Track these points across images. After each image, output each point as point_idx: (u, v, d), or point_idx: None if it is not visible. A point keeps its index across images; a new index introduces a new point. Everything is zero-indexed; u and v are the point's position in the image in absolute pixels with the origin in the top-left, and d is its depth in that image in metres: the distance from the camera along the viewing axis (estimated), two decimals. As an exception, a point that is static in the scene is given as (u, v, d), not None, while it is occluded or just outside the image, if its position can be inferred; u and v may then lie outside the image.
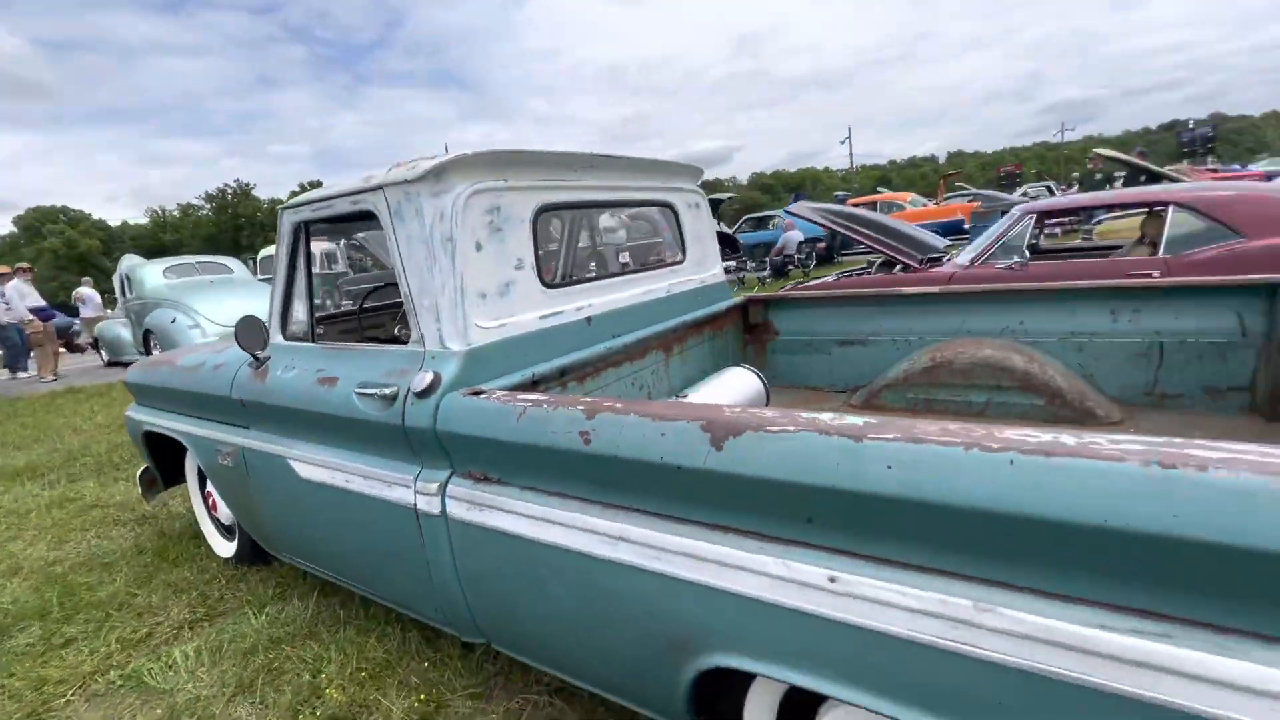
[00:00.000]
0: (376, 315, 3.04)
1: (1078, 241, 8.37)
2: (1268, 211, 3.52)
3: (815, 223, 4.97)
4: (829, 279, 5.63)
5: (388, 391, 1.63)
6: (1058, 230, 12.92)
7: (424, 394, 1.56)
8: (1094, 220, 9.09)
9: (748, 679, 1.26)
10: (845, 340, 2.74)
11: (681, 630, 1.18)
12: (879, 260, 5.13)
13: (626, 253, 4.18)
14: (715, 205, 10.63)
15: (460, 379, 1.57)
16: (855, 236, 4.77)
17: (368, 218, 1.80)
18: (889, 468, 0.91)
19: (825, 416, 1.03)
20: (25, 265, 10.14)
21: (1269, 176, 11.34)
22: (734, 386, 2.36)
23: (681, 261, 2.61)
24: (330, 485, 1.84)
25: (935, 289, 2.53)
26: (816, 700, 1.22)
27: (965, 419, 2.37)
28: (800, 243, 12.96)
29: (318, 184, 10.45)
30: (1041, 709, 0.84)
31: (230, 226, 63.34)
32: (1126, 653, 0.77)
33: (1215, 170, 15.32)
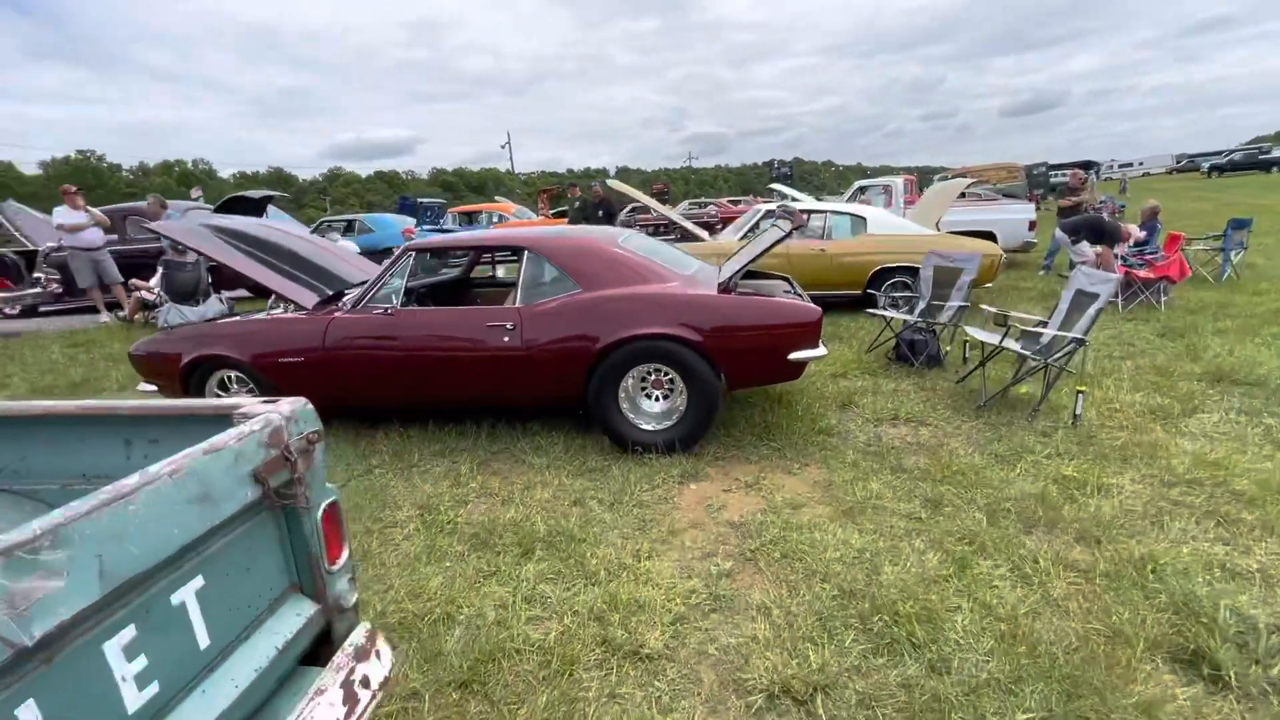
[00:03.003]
0: None
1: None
2: (602, 266, 3.50)
3: (189, 247, 3.76)
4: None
5: None
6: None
7: None
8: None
9: None
10: None
11: None
12: (273, 297, 4.19)
13: None
14: (261, 204, 8.99)
15: None
16: (235, 267, 3.71)
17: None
18: None
19: None
20: None
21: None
22: None
23: None
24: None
25: None
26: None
27: None
28: None
29: None
30: None
31: None
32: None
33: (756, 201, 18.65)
